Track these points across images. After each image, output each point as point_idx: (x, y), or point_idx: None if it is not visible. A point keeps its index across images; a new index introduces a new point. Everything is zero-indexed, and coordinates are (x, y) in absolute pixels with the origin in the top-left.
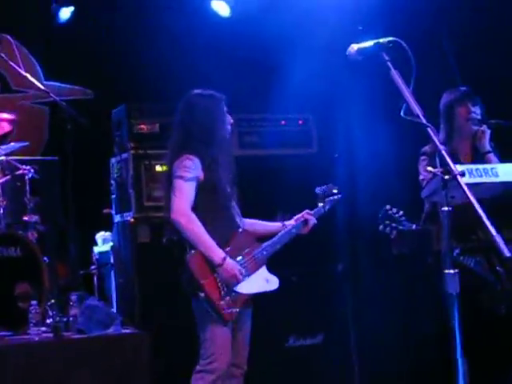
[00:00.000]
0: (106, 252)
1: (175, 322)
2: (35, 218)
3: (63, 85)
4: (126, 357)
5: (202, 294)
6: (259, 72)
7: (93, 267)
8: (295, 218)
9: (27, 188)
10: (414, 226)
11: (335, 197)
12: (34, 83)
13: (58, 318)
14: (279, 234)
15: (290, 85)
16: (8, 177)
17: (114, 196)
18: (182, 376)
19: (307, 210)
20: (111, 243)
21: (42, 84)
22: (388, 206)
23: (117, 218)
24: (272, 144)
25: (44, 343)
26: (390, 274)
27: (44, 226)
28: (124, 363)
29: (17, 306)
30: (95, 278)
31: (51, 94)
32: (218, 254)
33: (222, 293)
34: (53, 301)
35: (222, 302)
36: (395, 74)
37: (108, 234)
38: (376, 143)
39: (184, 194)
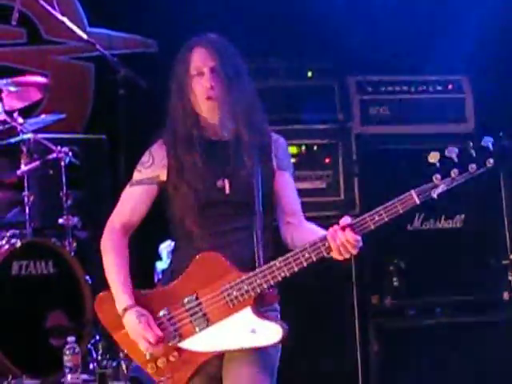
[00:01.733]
0: None
1: None
2: (74, 220)
3: (115, 33)
4: None
5: (123, 353)
6: (384, 19)
7: None
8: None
9: (63, 178)
10: None
11: (473, 167)
12: (73, 31)
13: (104, 362)
14: (286, 257)
15: (432, 34)
16: (37, 162)
17: None
18: None
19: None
20: None
21: (85, 32)
22: None
23: None
24: (409, 118)
25: None
26: None
27: (87, 232)
28: None
29: (48, 343)
30: None
31: (98, 46)
32: (120, 300)
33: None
34: (98, 337)
35: (151, 365)
36: None
37: None
38: None
39: (118, 207)
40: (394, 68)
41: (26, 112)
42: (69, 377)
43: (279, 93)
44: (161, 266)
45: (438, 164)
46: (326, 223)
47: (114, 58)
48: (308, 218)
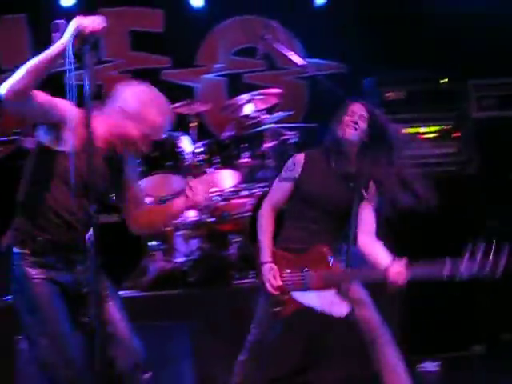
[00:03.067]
0: None
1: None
2: None
3: (321, 61)
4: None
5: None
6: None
7: None
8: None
9: (291, 151)
10: None
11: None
12: (295, 61)
13: None
14: (358, 270)
15: None
16: (275, 142)
17: None
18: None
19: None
20: None
21: (303, 61)
22: None
23: None
24: (509, 106)
25: None
26: None
27: None
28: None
29: None
30: None
31: (311, 70)
32: (262, 254)
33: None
34: None
35: (272, 299)
36: None
37: None
38: None
39: (269, 193)
40: (498, 72)
41: (269, 111)
42: None
43: (420, 94)
44: None
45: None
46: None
47: (321, 76)
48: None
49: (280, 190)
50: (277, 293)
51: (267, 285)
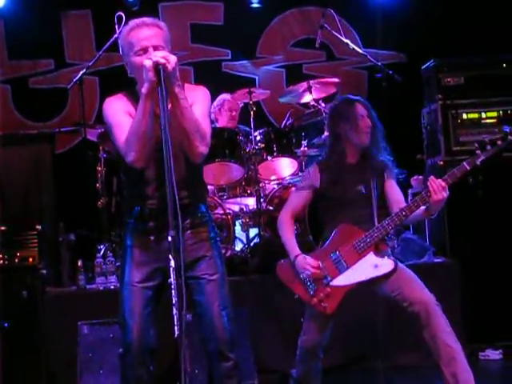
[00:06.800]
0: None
1: (482, 252)
2: None
3: (380, 51)
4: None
5: (297, 296)
6: None
7: None
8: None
9: None
10: None
11: (499, 143)
12: (354, 50)
13: None
14: (391, 216)
15: None
16: None
17: (425, 142)
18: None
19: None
20: None
21: (361, 50)
22: None
23: (428, 162)
24: None
25: None
26: None
27: None
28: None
29: None
30: None
31: (369, 57)
32: (292, 251)
33: (311, 292)
34: None
35: (314, 300)
36: None
37: (421, 177)
38: None
39: (287, 202)
40: None
41: (327, 100)
42: None
43: (484, 79)
44: (411, 192)
45: (476, 145)
46: None
47: (380, 65)
48: None
49: (297, 198)
50: (319, 272)
51: (308, 270)
